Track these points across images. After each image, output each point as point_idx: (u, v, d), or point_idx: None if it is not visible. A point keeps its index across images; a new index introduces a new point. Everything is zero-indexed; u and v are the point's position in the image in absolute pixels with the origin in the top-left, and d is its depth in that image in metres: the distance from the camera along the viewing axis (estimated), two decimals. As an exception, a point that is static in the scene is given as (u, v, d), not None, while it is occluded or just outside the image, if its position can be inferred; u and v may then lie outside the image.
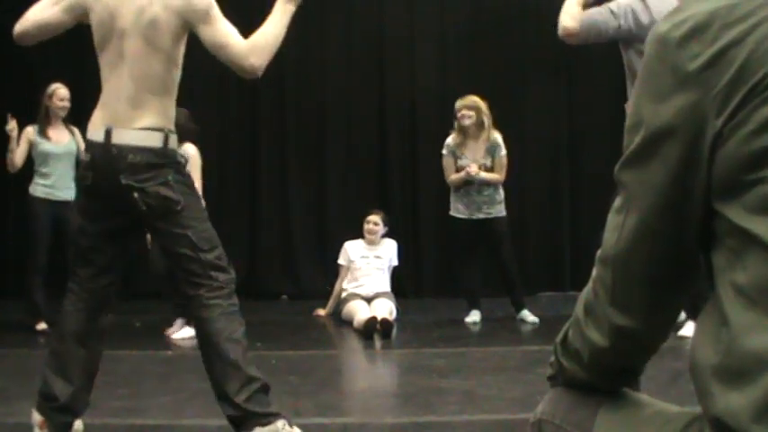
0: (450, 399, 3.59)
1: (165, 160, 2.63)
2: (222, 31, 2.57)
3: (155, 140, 2.60)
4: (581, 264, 7.48)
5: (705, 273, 0.94)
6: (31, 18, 2.73)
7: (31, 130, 5.59)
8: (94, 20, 2.65)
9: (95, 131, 2.64)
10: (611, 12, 2.86)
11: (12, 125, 5.50)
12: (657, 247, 0.94)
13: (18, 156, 5.52)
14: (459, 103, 5.95)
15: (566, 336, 1.10)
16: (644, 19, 2.81)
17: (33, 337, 5.32)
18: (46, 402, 2.70)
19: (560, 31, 2.94)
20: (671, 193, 0.91)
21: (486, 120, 5.90)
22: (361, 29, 8.03)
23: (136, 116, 2.59)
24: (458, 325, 5.91)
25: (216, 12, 2.59)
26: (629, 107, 0.98)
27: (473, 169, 5.81)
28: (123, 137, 2.58)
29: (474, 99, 5.94)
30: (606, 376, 1.08)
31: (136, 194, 2.57)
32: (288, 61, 7.90)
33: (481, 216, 5.94)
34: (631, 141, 0.94)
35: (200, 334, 2.64)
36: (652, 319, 0.98)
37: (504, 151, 5.97)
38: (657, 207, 0.92)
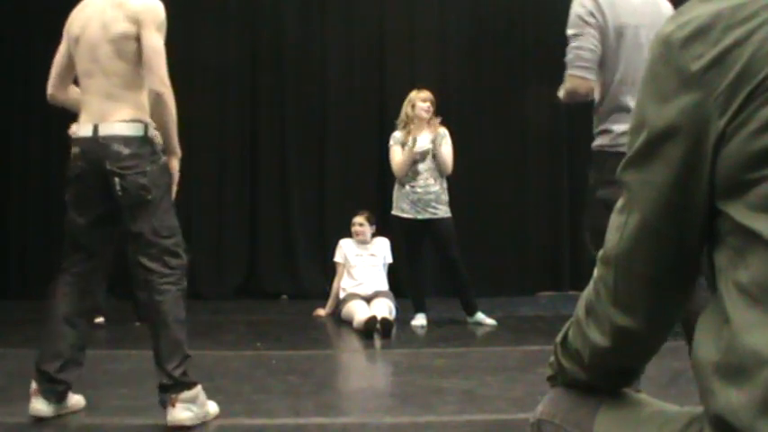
0: (450, 399, 3.59)
1: (145, 150, 3.05)
2: (161, 47, 3.02)
3: (136, 130, 3.05)
4: (581, 264, 7.48)
5: (707, 272, 0.94)
6: (53, 71, 3.25)
7: None
8: (70, 40, 3.15)
9: (83, 128, 3.10)
10: (593, 37, 2.75)
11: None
12: (659, 248, 0.94)
13: None
14: (422, 95, 5.93)
15: (566, 336, 1.10)
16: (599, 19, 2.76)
17: (33, 336, 5.31)
18: (38, 374, 3.09)
19: (576, 96, 2.91)
20: (673, 193, 0.91)
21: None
22: (361, 28, 8.03)
23: (116, 110, 3.05)
24: (458, 325, 5.91)
25: (163, 30, 3.06)
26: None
27: (418, 141, 5.72)
28: (108, 129, 3.04)
29: (430, 93, 5.96)
30: (606, 376, 1.08)
31: (116, 179, 3.02)
32: (288, 60, 7.91)
33: (427, 216, 5.79)
34: (634, 142, 0.94)
35: (152, 313, 3.05)
36: (654, 319, 0.98)
37: (449, 141, 5.86)
38: (660, 207, 0.92)
